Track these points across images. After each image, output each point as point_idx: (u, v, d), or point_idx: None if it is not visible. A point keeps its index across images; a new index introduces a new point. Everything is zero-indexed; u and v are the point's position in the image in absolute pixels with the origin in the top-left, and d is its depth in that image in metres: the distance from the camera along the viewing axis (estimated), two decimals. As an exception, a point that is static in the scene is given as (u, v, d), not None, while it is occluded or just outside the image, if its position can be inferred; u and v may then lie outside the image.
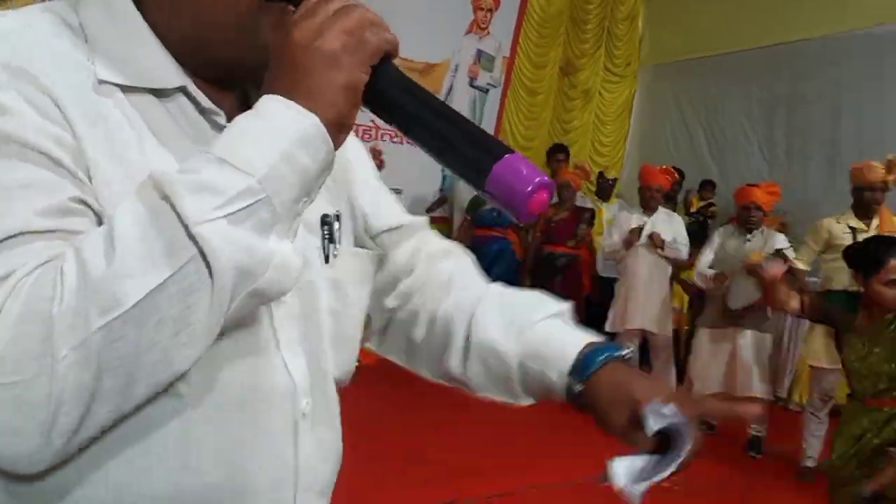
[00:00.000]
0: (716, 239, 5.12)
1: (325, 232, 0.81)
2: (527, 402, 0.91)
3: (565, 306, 0.94)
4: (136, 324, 0.54)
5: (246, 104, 0.76)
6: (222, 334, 0.60)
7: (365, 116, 0.68)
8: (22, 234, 0.57)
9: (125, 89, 0.68)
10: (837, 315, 2.98)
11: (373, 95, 0.64)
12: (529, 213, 0.62)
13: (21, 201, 0.58)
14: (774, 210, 5.23)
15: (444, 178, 7.35)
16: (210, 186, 0.56)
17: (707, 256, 5.04)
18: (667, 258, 5.51)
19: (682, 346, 6.16)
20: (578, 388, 0.83)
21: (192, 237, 0.55)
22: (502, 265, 6.32)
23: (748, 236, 4.87)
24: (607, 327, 5.66)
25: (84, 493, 0.64)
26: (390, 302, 0.97)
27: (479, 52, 7.94)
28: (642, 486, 0.74)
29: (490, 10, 7.94)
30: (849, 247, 3.25)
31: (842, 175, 5.05)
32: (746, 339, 4.77)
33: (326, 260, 0.81)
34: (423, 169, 6.62)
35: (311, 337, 0.78)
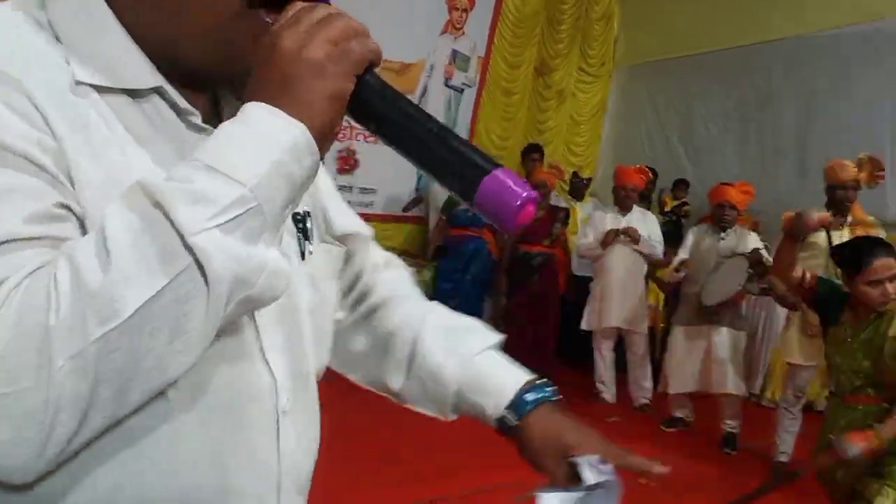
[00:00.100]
0: (690, 237, 5.17)
1: (300, 229, 0.82)
2: (451, 419, 1.00)
3: (499, 337, 1.02)
4: (133, 333, 0.54)
5: (217, 105, 0.77)
6: None
7: (340, 116, 0.67)
8: (10, 241, 0.56)
9: (101, 90, 0.66)
10: (829, 304, 3.01)
11: (357, 105, 0.65)
12: (517, 226, 0.63)
13: (7, 207, 0.57)
14: (748, 210, 5.28)
15: (419, 177, 7.31)
16: (203, 196, 0.56)
17: (681, 257, 5.08)
18: (642, 254, 5.54)
19: (657, 344, 6.20)
20: (513, 422, 0.93)
21: (188, 247, 0.55)
22: (478, 264, 6.33)
23: (722, 235, 4.92)
24: (583, 325, 5.69)
25: (76, 498, 0.63)
26: (342, 305, 1.00)
27: (455, 52, 7.92)
28: None
29: (465, 10, 7.92)
30: (836, 247, 3.30)
31: (814, 174, 5.10)
32: (721, 337, 4.82)
33: (303, 257, 0.82)
34: (397, 169, 6.58)
35: (293, 336, 0.79)
